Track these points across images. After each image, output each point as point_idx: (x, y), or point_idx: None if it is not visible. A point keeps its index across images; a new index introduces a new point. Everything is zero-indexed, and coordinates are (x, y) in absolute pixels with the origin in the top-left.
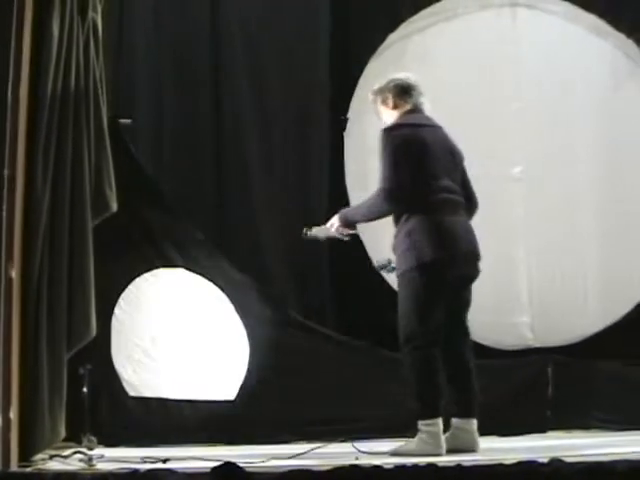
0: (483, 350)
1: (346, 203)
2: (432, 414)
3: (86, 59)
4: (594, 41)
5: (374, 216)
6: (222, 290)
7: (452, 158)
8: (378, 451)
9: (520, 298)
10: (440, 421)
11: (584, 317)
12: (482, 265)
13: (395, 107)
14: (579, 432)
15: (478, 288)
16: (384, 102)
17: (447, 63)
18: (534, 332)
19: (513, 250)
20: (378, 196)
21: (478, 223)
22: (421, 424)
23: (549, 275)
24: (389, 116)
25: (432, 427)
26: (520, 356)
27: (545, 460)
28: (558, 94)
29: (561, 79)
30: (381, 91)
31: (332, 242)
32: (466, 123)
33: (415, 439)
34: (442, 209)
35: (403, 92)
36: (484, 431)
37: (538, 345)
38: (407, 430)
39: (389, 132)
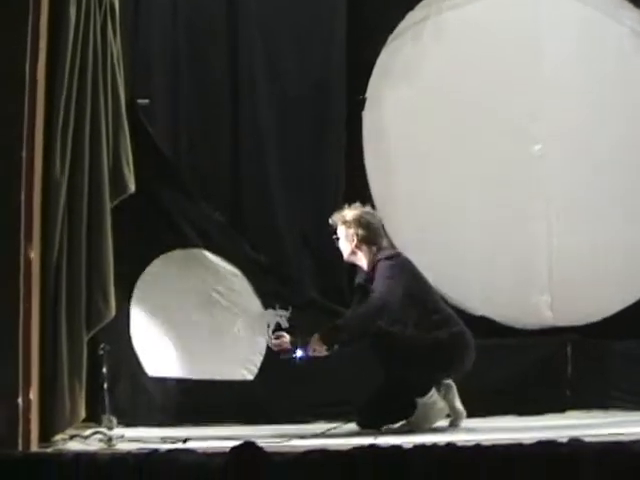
0: (502, 329)
1: (364, 183)
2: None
3: (103, 40)
4: (614, 19)
5: None
6: (240, 270)
7: None
8: (397, 430)
9: (540, 277)
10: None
11: (604, 296)
12: (502, 243)
13: None
14: (598, 412)
15: (498, 267)
16: None
17: (466, 43)
18: (554, 311)
19: (533, 229)
20: None
21: (498, 203)
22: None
23: (569, 254)
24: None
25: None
26: (539, 335)
27: (564, 440)
28: (578, 71)
29: (582, 56)
30: None
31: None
32: (484, 103)
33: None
34: None
35: None
36: (503, 410)
37: (558, 324)
38: None
39: None
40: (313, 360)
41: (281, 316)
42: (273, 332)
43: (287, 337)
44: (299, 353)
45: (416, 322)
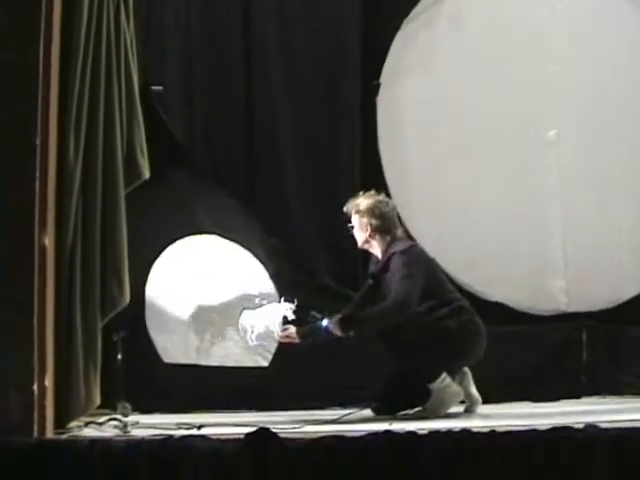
0: (517, 315)
1: (379, 169)
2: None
3: (116, 27)
4: (630, 2)
5: None
6: (255, 256)
7: None
8: (412, 416)
9: (555, 263)
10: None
11: (619, 282)
12: (517, 229)
13: None
14: (613, 397)
15: (513, 253)
16: None
17: (480, 27)
18: (569, 297)
19: (548, 215)
20: None
21: (513, 188)
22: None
23: (584, 240)
24: None
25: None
26: (554, 321)
27: (579, 426)
28: (593, 57)
29: (596, 42)
30: None
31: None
32: (500, 87)
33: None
34: None
35: None
36: (518, 397)
37: (573, 310)
38: None
39: None
40: (332, 337)
41: (287, 309)
42: (280, 324)
43: (293, 329)
44: (324, 322)
45: (427, 313)
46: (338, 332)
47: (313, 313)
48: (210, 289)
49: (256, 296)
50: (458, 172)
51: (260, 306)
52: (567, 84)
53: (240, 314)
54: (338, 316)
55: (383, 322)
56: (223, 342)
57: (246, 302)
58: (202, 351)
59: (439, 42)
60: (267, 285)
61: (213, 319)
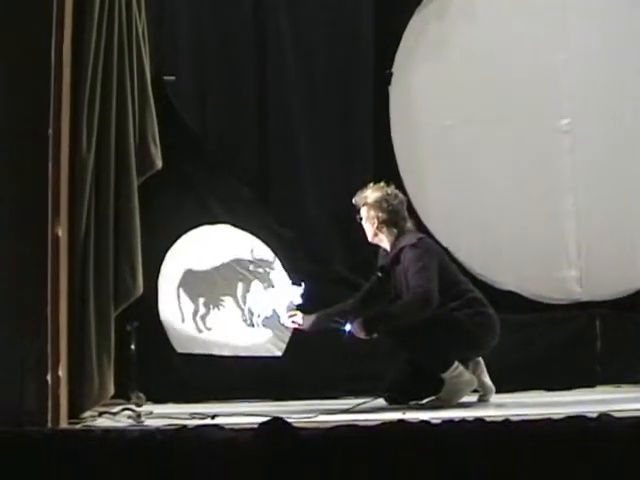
0: (531, 304)
1: (392, 158)
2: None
3: (129, 17)
4: None
5: None
6: (268, 246)
7: None
8: (425, 405)
9: (568, 252)
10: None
11: (633, 271)
12: (530, 219)
13: None
14: (628, 386)
15: (526, 242)
16: None
17: (492, 15)
18: (582, 286)
19: (561, 204)
20: None
21: (526, 176)
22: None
23: (597, 228)
24: None
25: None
26: (568, 310)
27: (594, 415)
28: (606, 44)
29: (609, 29)
30: None
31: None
32: (512, 76)
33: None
34: None
35: None
36: (532, 386)
37: (586, 299)
38: None
39: None
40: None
41: (295, 293)
42: (287, 308)
43: (299, 314)
44: (347, 327)
45: (440, 305)
46: (362, 335)
47: (336, 318)
48: (202, 254)
49: (251, 262)
50: (471, 160)
51: (256, 275)
52: (580, 72)
53: (241, 291)
54: (360, 319)
55: (406, 319)
56: (218, 311)
57: (240, 268)
58: (200, 317)
59: (451, 31)
60: (263, 252)
61: (204, 284)
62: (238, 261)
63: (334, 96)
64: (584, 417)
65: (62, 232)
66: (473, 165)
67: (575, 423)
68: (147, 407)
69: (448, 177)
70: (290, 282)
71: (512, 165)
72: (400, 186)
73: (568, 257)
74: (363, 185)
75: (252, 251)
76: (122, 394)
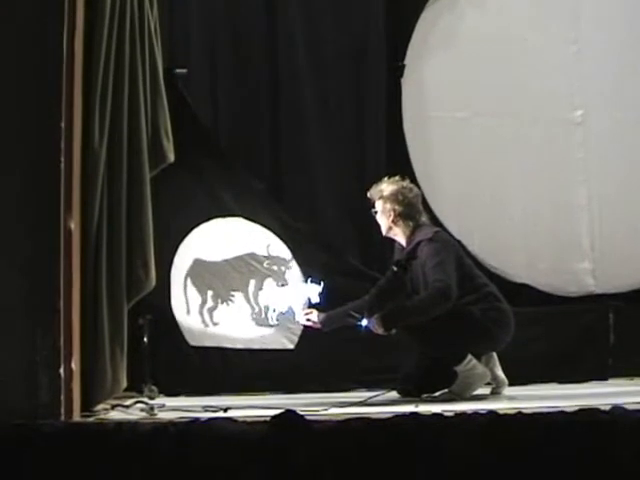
0: (544, 297)
1: (404, 151)
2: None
3: (140, 10)
4: None
5: None
6: (280, 239)
7: None
8: (438, 398)
9: (581, 244)
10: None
11: None
12: (543, 211)
13: None
14: None
15: (539, 234)
16: None
17: (504, 7)
18: (595, 278)
19: (574, 196)
20: None
21: (539, 169)
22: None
23: (610, 220)
24: None
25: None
26: (581, 303)
27: (606, 407)
28: (618, 35)
29: (622, 19)
30: None
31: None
32: (525, 67)
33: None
34: None
35: None
36: (545, 378)
37: (599, 291)
38: None
39: None
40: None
41: (313, 291)
42: (303, 305)
43: (315, 312)
44: (364, 322)
45: (455, 300)
46: (380, 331)
47: (352, 313)
48: (214, 247)
49: (266, 257)
50: (483, 153)
51: (271, 272)
52: (593, 63)
53: (253, 288)
54: (378, 315)
55: (426, 314)
56: (227, 307)
57: (254, 262)
58: (207, 310)
59: (462, 23)
60: (279, 249)
61: (214, 276)
62: (253, 255)
63: (346, 88)
64: (596, 409)
65: (74, 226)
66: (486, 157)
67: (587, 415)
68: (160, 400)
69: (461, 169)
70: (309, 280)
71: (525, 157)
72: (412, 179)
73: (581, 250)
74: (375, 177)
75: (268, 247)
76: (135, 387)
